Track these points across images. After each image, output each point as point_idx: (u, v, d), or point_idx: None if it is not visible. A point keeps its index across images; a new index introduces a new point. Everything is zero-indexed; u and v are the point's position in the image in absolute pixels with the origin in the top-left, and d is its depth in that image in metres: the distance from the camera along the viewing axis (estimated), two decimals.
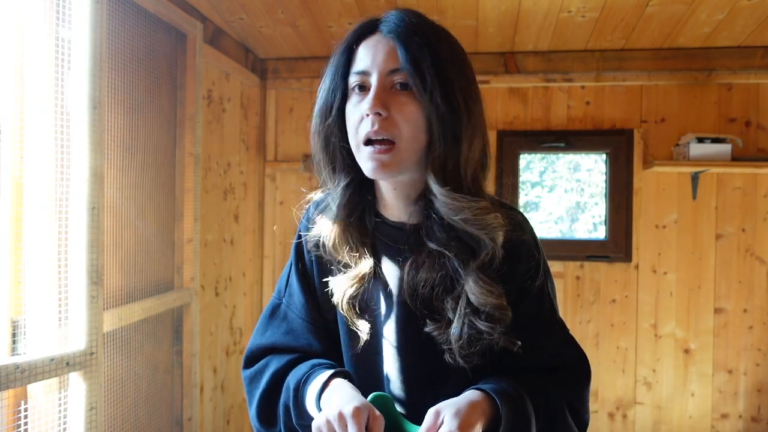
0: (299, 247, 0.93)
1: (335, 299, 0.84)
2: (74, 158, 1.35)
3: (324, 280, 0.87)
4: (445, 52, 0.77)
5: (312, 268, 0.91)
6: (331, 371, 0.79)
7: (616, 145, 2.69)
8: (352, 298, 0.83)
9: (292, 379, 0.83)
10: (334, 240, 0.84)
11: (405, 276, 0.81)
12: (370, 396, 0.75)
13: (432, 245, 0.79)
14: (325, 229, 0.85)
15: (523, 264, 0.82)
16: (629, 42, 2.52)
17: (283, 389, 0.84)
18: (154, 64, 1.88)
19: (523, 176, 3.18)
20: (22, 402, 1.33)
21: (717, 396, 2.64)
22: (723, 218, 2.64)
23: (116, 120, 1.66)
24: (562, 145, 2.71)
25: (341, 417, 0.67)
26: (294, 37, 2.50)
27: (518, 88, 2.75)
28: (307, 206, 0.95)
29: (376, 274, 0.85)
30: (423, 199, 0.81)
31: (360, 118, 0.77)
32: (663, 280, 2.68)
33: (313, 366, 0.83)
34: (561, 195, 3.71)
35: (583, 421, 0.84)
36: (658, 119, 2.68)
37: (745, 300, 2.62)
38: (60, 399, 1.36)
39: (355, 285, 0.83)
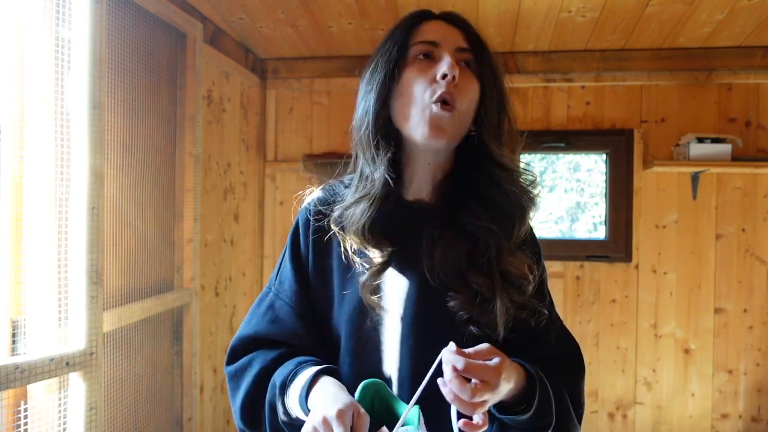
0: (296, 236, 0.93)
1: (360, 287, 0.83)
2: (74, 158, 1.35)
3: (335, 263, 0.88)
4: (488, 44, 0.87)
5: (308, 256, 0.90)
6: (316, 368, 0.78)
7: (616, 145, 2.69)
8: (373, 285, 0.83)
9: (278, 377, 0.81)
10: (363, 228, 0.83)
11: (425, 254, 0.83)
12: (362, 384, 0.74)
13: (471, 221, 0.84)
14: (358, 209, 0.84)
15: (531, 251, 0.88)
16: (629, 42, 2.52)
17: (269, 387, 0.82)
18: (154, 64, 1.88)
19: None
20: (22, 402, 1.33)
21: (717, 396, 2.64)
22: (723, 218, 2.64)
23: (116, 120, 1.66)
24: (562, 145, 2.71)
25: (326, 422, 0.67)
26: (294, 37, 2.50)
27: (518, 88, 2.75)
28: (307, 199, 0.96)
29: (402, 258, 0.85)
30: (446, 182, 0.88)
31: (430, 79, 0.81)
32: (663, 280, 2.68)
33: (299, 363, 0.81)
34: (561, 195, 3.71)
35: (580, 412, 0.85)
36: (658, 119, 2.68)
37: (745, 300, 2.62)
38: (60, 399, 1.36)
39: (379, 271, 0.84)
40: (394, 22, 0.90)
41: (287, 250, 0.93)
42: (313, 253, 0.90)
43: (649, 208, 2.68)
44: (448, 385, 0.67)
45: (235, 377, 0.87)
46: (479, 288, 0.81)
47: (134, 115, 1.76)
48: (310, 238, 0.90)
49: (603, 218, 2.87)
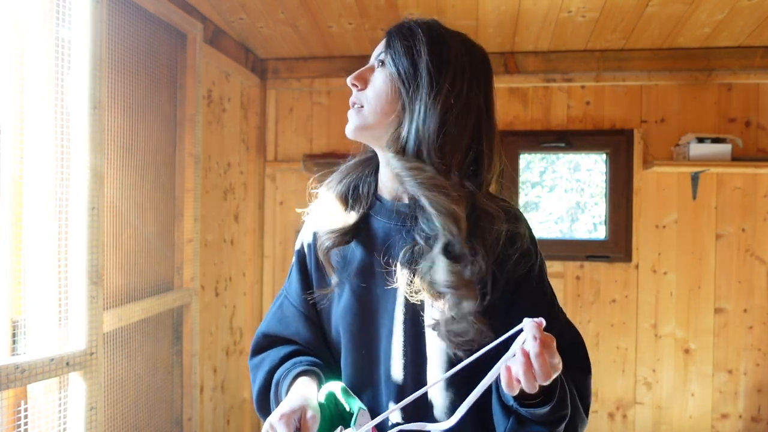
0: (301, 239, 1.00)
1: (319, 245, 0.91)
2: (74, 158, 1.35)
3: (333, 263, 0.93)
4: (419, 37, 0.85)
5: (310, 260, 0.97)
6: (298, 370, 0.88)
7: (616, 145, 2.69)
8: (331, 248, 0.90)
9: (278, 375, 0.91)
10: (336, 192, 0.93)
11: (399, 263, 0.85)
12: (325, 390, 0.84)
13: (414, 234, 0.84)
14: (332, 183, 0.96)
15: (517, 252, 0.84)
16: (629, 42, 2.52)
17: (273, 382, 0.92)
18: (154, 64, 1.88)
19: (523, 176, 3.18)
20: (22, 402, 1.33)
21: (717, 396, 2.64)
22: (723, 218, 2.64)
23: (116, 120, 1.66)
24: (562, 145, 2.71)
25: (271, 426, 0.76)
26: (294, 37, 2.50)
27: (518, 88, 2.75)
28: (314, 201, 1.01)
29: (372, 251, 0.89)
30: None
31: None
32: (663, 280, 2.68)
33: (294, 364, 0.91)
34: (561, 195, 3.71)
35: (587, 405, 0.85)
36: (658, 119, 2.68)
37: (745, 300, 2.62)
38: (60, 399, 1.36)
39: (337, 236, 0.90)
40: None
41: (295, 255, 1.01)
42: (314, 258, 0.96)
43: (649, 208, 2.68)
44: (534, 358, 0.65)
45: (253, 371, 0.97)
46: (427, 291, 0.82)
47: (134, 115, 1.76)
48: (312, 245, 0.96)
49: (603, 218, 2.87)
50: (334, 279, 0.91)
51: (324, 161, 2.72)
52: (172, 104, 2.02)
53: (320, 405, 0.82)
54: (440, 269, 0.78)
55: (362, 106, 0.88)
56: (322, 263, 0.93)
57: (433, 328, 0.82)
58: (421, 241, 0.82)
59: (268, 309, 1.02)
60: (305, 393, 0.82)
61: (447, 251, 0.78)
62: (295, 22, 2.31)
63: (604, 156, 2.81)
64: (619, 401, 2.71)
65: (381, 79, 0.86)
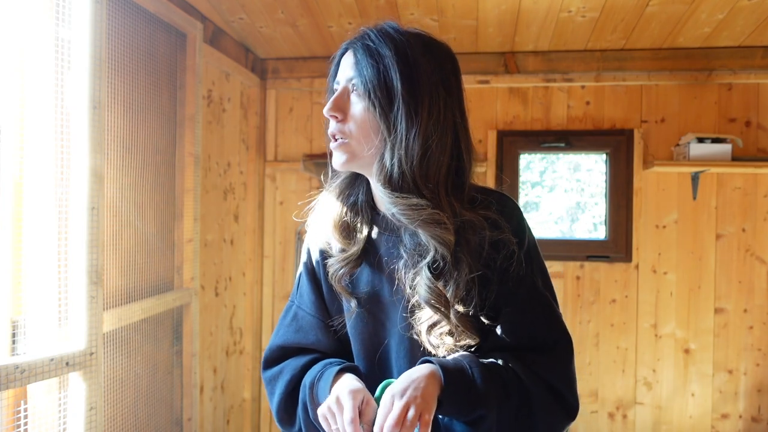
0: (308, 251, 1.00)
1: (330, 275, 0.93)
2: (74, 158, 1.35)
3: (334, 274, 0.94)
4: (390, 57, 0.82)
5: (319, 270, 0.97)
6: (339, 367, 0.86)
7: (616, 145, 2.69)
8: (344, 275, 0.91)
9: (307, 379, 0.90)
10: (335, 220, 0.93)
11: (401, 271, 0.87)
12: (383, 382, 0.81)
13: (400, 248, 0.86)
14: (325, 212, 0.96)
15: (504, 248, 0.85)
16: (629, 42, 2.52)
17: (301, 388, 0.90)
18: (154, 64, 1.88)
19: (523, 176, 3.18)
20: (22, 402, 1.33)
21: (717, 396, 2.64)
22: (723, 218, 2.64)
23: (116, 120, 1.66)
24: (562, 145, 2.71)
25: (338, 400, 0.76)
26: (294, 37, 2.50)
27: (518, 88, 2.75)
28: (316, 207, 1.02)
29: (376, 264, 0.90)
30: None
31: (327, 120, 0.89)
32: (663, 280, 2.68)
33: (326, 365, 0.89)
34: (561, 195, 3.71)
35: (569, 404, 0.83)
36: (658, 119, 2.68)
37: (745, 300, 2.62)
38: (60, 399, 1.36)
39: (349, 262, 0.90)
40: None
41: (303, 265, 1.01)
42: (323, 269, 0.96)
43: (649, 208, 2.68)
44: None
45: (271, 383, 0.96)
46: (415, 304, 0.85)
47: (134, 115, 1.76)
48: (320, 255, 0.97)
49: (603, 218, 2.87)
50: (353, 302, 0.91)
51: (324, 161, 2.72)
52: (172, 104, 2.02)
53: (377, 398, 0.81)
54: (422, 283, 0.82)
55: (346, 141, 0.86)
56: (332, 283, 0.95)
57: (418, 334, 0.85)
58: (415, 252, 0.85)
59: (277, 323, 1.02)
60: (358, 384, 0.81)
61: (432, 267, 0.82)
62: (295, 21, 2.31)
63: (604, 156, 2.81)
64: (619, 401, 2.71)
65: (360, 110, 0.85)
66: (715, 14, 2.17)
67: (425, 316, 0.83)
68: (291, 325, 0.98)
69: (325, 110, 0.87)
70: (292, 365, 0.94)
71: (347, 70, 0.87)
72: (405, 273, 0.85)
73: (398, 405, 0.72)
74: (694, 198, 2.65)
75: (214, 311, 2.42)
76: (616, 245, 2.69)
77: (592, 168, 3.48)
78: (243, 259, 2.75)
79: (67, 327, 1.36)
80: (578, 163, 3.56)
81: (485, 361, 0.81)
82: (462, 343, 0.83)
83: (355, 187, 0.96)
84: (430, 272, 0.82)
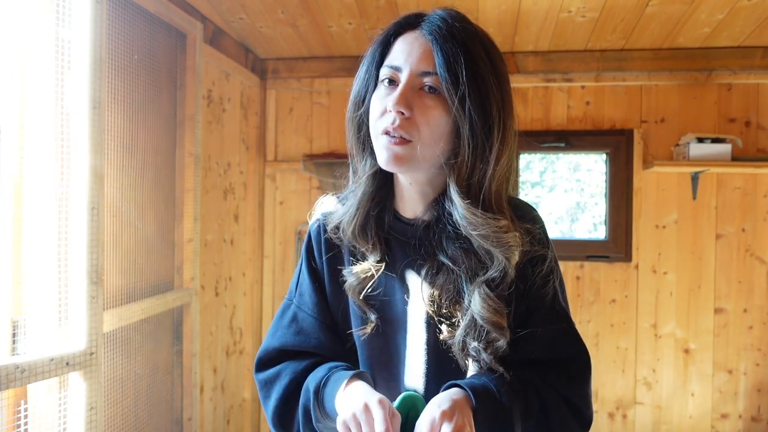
0: (309, 249, 0.94)
1: (347, 287, 0.87)
2: (74, 158, 1.35)
3: (341, 275, 0.89)
4: (484, 62, 0.75)
5: (323, 269, 0.92)
6: (351, 372, 0.81)
7: (616, 145, 2.69)
8: (363, 289, 0.85)
9: (311, 382, 0.84)
10: (354, 229, 0.85)
11: (421, 279, 0.83)
12: (403, 395, 0.77)
13: (441, 257, 0.80)
14: (348, 216, 0.86)
15: (540, 264, 0.83)
16: (629, 42, 2.52)
17: (302, 392, 0.85)
18: (154, 64, 1.88)
19: (523, 176, 3.18)
20: (22, 402, 1.33)
21: (717, 396, 2.64)
22: (723, 218, 2.64)
23: (116, 120, 1.66)
24: (562, 145, 2.71)
25: (366, 408, 0.71)
26: (294, 37, 2.50)
27: (518, 88, 2.75)
28: (317, 211, 0.97)
29: (392, 271, 0.86)
30: (440, 199, 0.82)
31: (383, 110, 0.77)
32: (663, 280, 2.68)
33: (331, 369, 0.84)
34: (561, 195, 3.71)
35: (584, 418, 0.83)
36: (658, 119, 2.68)
37: (745, 300, 2.62)
38: (60, 399, 1.36)
39: (367, 277, 0.85)
40: (381, 30, 0.85)
41: (303, 264, 0.95)
42: (327, 267, 0.92)
43: (649, 208, 2.68)
44: None
45: (266, 386, 0.90)
46: (459, 320, 0.80)
47: (134, 115, 1.76)
48: (323, 253, 0.92)
49: (603, 218, 2.87)
50: (373, 315, 0.86)
51: (324, 161, 2.72)
52: (172, 104, 2.02)
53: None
54: (479, 299, 0.77)
55: (410, 140, 0.76)
56: (335, 277, 0.91)
57: (449, 342, 0.81)
58: (446, 260, 0.80)
59: (272, 323, 0.96)
60: (379, 393, 0.76)
61: (491, 283, 0.78)
62: (295, 22, 2.31)
63: (604, 156, 2.81)
64: (619, 401, 2.71)
65: (439, 115, 0.75)
66: (715, 14, 2.18)
67: (465, 331, 0.79)
68: (290, 327, 0.92)
69: (391, 104, 0.74)
70: (291, 368, 0.89)
71: (421, 60, 0.76)
72: (434, 280, 0.81)
73: (447, 428, 0.68)
74: (694, 198, 2.65)
75: (214, 311, 2.42)
76: (616, 245, 2.69)
77: (592, 168, 3.48)
78: (243, 259, 2.75)
79: (67, 327, 1.36)
80: (578, 163, 3.56)
81: (509, 379, 0.78)
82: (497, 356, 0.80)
83: (383, 190, 0.87)
84: (490, 288, 0.77)
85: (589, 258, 2.70)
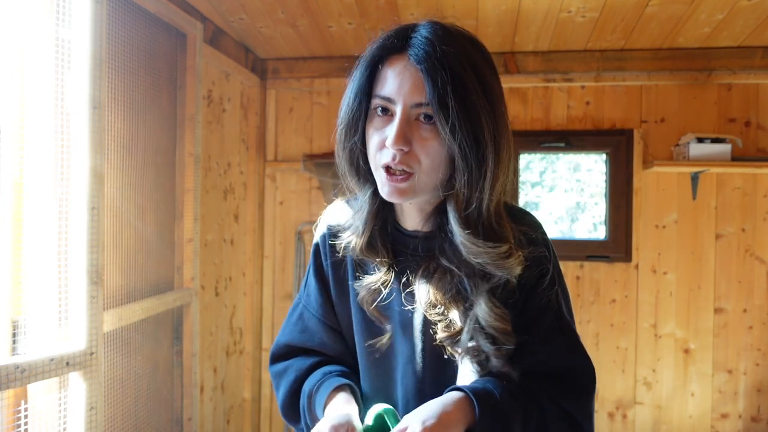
0: (317, 252, 0.98)
1: (359, 300, 0.89)
2: (74, 158, 1.35)
3: (351, 282, 0.93)
4: (474, 86, 0.74)
5: (328, 273, 0.95)
6: (336, 384, 0.87)
7: (616, 145, 2.69)
8: (375, 300, 0.88)
9: (307, 386, 0.91)
10: (363, 246, 0.88)
11: (419, 284, 0.84)
12: (376, 412, 0.80)
13: (444, 262, 0.82)
14: (356, 235, 0.89)
15: (536, 266, 0.83)
16: (629, 42, 2.52)
17: (302, 393, 0.92)
18: (154, 64, 1.88)
19: (523, 176, 3.18)
20: (22, 402, 1.33)
21: (717, 396, 2.64)
22: (723, 218, 2.64)
23: (116, 120, 1.66)
24: (562, 145, 2.71)
25: None
26: (294, 37, 2.50)
27: (518, 88, 2.75)
28: (324, 216, 0.99)
29: (396, 280, 0.88)
30: (438, 211, 0.84)
31: (381, 143, 0.77)
32: (663, 280, 2.68)
33: (325, 375, 0.90)
34: (561, 195, 3.71)
35: (580, 429, 0.83)
36: (658, 119, 2.68)
37: (745, 300, 2.62)
38: (60, 399, 1.36)
39: (379, 288, 0.87)
40: (367, 48, 0.81)
41: (311, 267, 0.99)
42: (332, 272, 0.95)
43: (648, 208, 2.68)
44: None
45: (276, 378, 0.98)
46: (459, 324, 0.81)
47: (134, 115, 1.76)
48: (329, 259, 0.95)
49: (603, 218, 2.87)
50: (388, 326, 0.88)
51: (324, 161, 2.72)
52: (172, 104, 2.02)
53: (367, 428, 0.80)
54: (484, 308, 0.78)
55: (411, 173, 0.76)
56: (340, 283, 0.94)
57: (453, 348, 0.82)
58: (448, 264, 0.81)
59: (285, 319, 1.02)
60: (348, 410, 0.81)
61: (494, 290, 0.79)
62: (295, 22, 2.31)
63: (604, 156, 2.81)
64: (618, 401, 2.71)
65: (437, 145, 0.75)
66: (715, 14, 2.18)
67: (471, 335, 0.80)
68: (297, 325, 0.98)
69: (390, 142, 0.74)
70: (297, 365, 0.95)
71: (413, 93, 0.74)
72: (429, 281, 0.82)
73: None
74: (694, 198, 2.65)
75: (214, 311, 2.42)
76: (616, 245, 2.70)
77: (592, 168, 3.48)
78: (243, 259, 2.75)
79: (67, 327, 1.36)
80: (578, 163, 3.56)
81: (511, 386, 0.78)
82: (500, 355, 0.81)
83: (384, 206, 0.89)
84: (494, 295, 0.79)
85: (589, 258, 2.70)
